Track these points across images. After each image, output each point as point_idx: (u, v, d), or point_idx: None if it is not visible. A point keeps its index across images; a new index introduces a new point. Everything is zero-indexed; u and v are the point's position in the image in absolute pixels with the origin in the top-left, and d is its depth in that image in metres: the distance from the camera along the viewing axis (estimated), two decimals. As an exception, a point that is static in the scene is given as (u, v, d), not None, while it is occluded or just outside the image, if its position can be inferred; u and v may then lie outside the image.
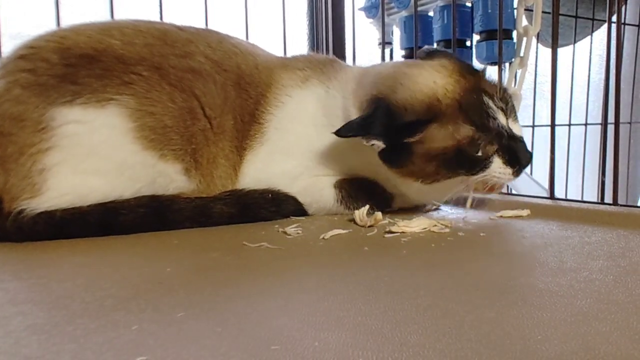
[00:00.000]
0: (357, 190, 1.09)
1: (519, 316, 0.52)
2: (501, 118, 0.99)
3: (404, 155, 1.00)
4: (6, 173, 0.91)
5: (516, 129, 1.02)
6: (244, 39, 1.44)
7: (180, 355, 0.44)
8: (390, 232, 0.92)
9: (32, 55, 0.95)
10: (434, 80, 1.00)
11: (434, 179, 1.00)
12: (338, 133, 0.99)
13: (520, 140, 1.01)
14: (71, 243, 0.89)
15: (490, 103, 0.99)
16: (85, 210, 0.92)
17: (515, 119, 1.05)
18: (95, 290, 0.63)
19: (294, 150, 1.09)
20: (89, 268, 0.75)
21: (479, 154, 0.98)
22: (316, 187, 1.09)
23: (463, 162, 0.98)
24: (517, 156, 1.00)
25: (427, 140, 0.98)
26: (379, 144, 0.99)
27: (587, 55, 2.22)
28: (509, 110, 1.03)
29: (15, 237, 0.90)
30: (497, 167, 0.99)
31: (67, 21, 1.30)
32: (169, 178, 0.99)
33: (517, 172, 1.01)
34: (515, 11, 1.40)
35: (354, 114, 1.03)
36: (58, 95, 0.91)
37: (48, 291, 0.64)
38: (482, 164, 0.98)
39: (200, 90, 1.02)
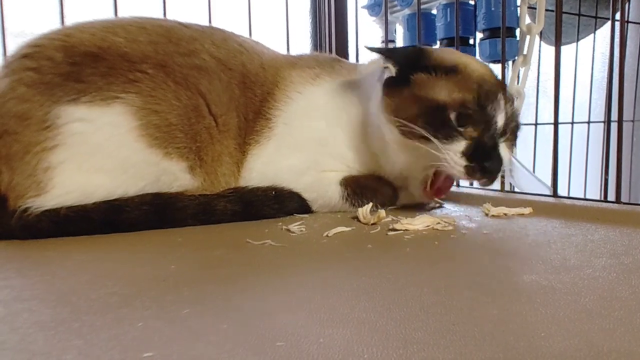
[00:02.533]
0: (362, 187, 1.09)
1: (522, 313, 0.52)
2: (500, 119, 1.00)
3: (400, 87, 1.02)
4: (11, 171, 0.91)
5: (503, 151, 1.01)
6: (247, 37, 1.44)
7: (186, 352, 0.44)
8: (394, 229, 0.92)
9: (36, 54, 0.95)
10: (470, 60, 1.06)
11: (409, 128, 0.98)
12: (369, 47, 1.07)
13: (499, 154, 0.98)
14: (75, 240, 0.90)
15: (502, 102, 1.00)
16: (89, 207, 0.93)
17: (510, 145, 1.05)
18: (100, 287, 0.63)
19: (302, 144, 1.10)
20: (94, 265, 0.76)
21: (459, 126, 0.97)
22: (322, 184, 1.09)
23: (440, 121, 0.97)
24: (482, 158, 0.96)
25: (426, 85, 1.00)
26: (392, 69, 1.03)
27: (590, 53, 2.21)
28: (509, 127, 1.03)
29: (20, 235, 0.90)
30: (456, 152, 0.97)
31: (71, 19, 1.30)
32: (173, 176, 0.99)
33: (469, 170, 0.97)
34: (518, 9, 1.40)
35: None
36: (63, 94, 0.92)
37: (53, 288, 0.64)
38: (452, 134, 0.97)
39: (206, 88, 1.02)
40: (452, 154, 0.97)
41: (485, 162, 0.97)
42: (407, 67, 1.02)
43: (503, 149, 1.02)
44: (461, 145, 0.97)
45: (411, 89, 1.01)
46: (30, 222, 0.90)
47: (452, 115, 0.97)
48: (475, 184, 1.14)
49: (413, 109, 0.99)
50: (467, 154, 0.97)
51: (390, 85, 1.04)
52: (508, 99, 1.03)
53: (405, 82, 1.02)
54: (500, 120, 1.00)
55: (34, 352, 0.45)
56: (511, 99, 1.05)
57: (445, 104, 0.98)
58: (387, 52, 1.05)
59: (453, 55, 1.06)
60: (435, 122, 0.97)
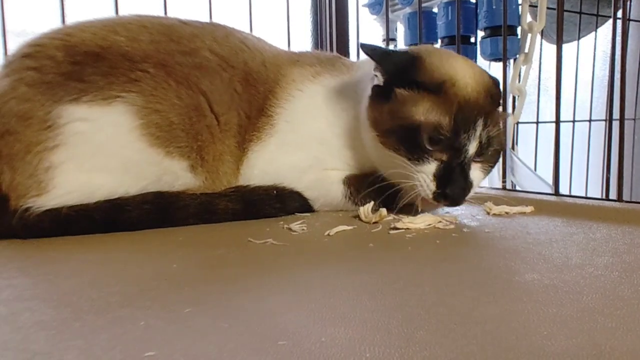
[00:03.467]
0: (365, 186, 1.09)
1: (524, 312, 0.52)
2: (472, 147, 0.96)
3: (382, 99, 1.00)
4: (12, 171, 0.91)
5: (475, 174, 0.99)
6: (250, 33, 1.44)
7: (188, 351, 0.44)
8: (395, 228, 0.92)
9: (37, 54, 0.95)
10: (463, 73, 1.00)
11: (383, 140, 0.99)
12: (363, 45, 1.02)
13: (465, 180, 0.96)
14: (77, 240, 0.90)
15: (479, 129, 0.96)
16: (90, 207, 0.92)
17: (486, 169, 1.02)
18: (101, 286, 0.63)
19: (304, 143, 1.09)
20: (95, 265, 0.76)
21: (430, 147, 0.95)
22: (325, 182, 1.09)
23: (412, 140, 0.96)
24: (448, 184, 0.95)
25: (407, 101, 0.98)
26: (380, 78, 1.01)
27: (592, 52, 2.21)
28: (485, 151, 0.99)
29: (21, 235, 0.90)
30: (428, 174, 0.96)
31: (72, 18, 1.30)
32: (174, 175, 0.99)
33: (436, 196, 0.96)
34: (519, 7, 1.40)
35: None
36: (64, 93, 0.91)
37: (55, 288, 0.64)
38: (422, 155, 0.95)
39: (207, 87, 1.02)
40: (425, 176, 0.96)
41: (447, 189, 0.95)
42: (396, 77, 0.99)
43: (475, 170, 0.99)
44: (432, 167, 0.96)
45: (392, 103, 0.99)
46: (31, 221, 0.90)
47: (424, 137, 0.95)
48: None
49: (390, 123, 0.98)
50: (438, 177, 0.95)
51: (376, 95, 1.02)
52: (490, 122, 0.98)
53: (389, 94, 1.00)
54: (472, 148, 0.96)
55: (35, 351, 0.45)
56: (495, 122, 1.00)
57: (419, 124, 0.96)
58: (379, 58, 1.01)
59: (446, 69, 1.00)
60: (407, 140, 0.96)
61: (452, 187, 0.95)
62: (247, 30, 1.59)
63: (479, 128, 0.96)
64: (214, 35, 1.09)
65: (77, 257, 0.79)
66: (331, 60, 1.19)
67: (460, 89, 0.98)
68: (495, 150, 1.02)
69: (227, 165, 1.05)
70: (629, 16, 2.09)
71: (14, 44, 1.03)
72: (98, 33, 0.99)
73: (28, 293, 0.63)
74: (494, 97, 1.03)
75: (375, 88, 1.03)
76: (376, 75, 1.02)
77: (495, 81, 1.06)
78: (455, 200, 0.97)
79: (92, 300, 0.58)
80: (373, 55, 1.01)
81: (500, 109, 1.08)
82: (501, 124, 1.04)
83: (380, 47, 1.01)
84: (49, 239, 0.90)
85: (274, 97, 1.10)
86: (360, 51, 1.77)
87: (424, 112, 0.96)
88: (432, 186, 0.96)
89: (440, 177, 0.95)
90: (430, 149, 0.96)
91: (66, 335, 0.48)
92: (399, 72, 0.99)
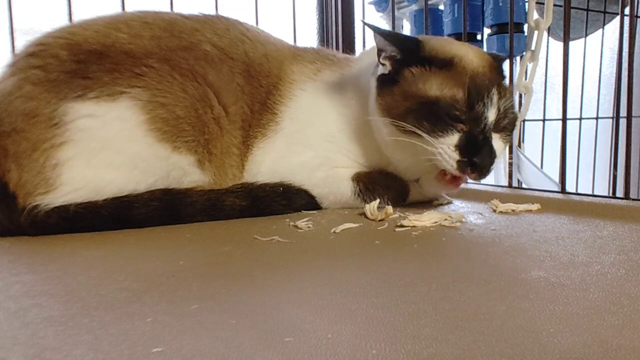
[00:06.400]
0: (374, 183, 1.09)
1: (530, 309, 0.52)
2: (491, 114, 0.98)
3: (391, 84, 1.01)
4: (20, 169, 0.91)
5: (497, 144, 1.00)
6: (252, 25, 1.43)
7: (195, 347, 0.45)
8: (401, 226, 0.92)
9: (41, 52, 0.96)
10: (466, 51, 1.03)
11: (400, 124, 0.99)
12: (369, 24, 1.04)
13: (490, 148, 0.97)
14: (85, 237, 0.90)
15: (495, 97, 0.98)
16: (98, 204, 0.93)
17: (506, 138, 1.04)
18: (109, 283, 0.63)
19: (312, 142, 1.10)
20: (103, 261, 0.76)
21: (450, 120, 0.96)
22: (334, 179, 1.10)
23: (431, 115, 0.96)
24: (474, 152, 0.95)
25: (417, 79, 0.99)
26: (387, 66, 1.02)
27: (599, 49, 2.21)
28: (504, 120, 1.01)
29: (29, 232, 0.91)
30: (449, 145, 0.96)
31: (80, 16, 1.30)
32: (182, 171, 0.99)
33: (461, 165, 0.96)
34: (526, 4, 1.40)
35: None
36: (69, 91, 0.92)
37: (63, 284, 0.65)
38: (444, 128, 0.96)
39: (214, 78, 1.03)
40: (446, 147, 0.96)
41: (474, 157, 0.96)
42: (407, 56, 1.01)
43: (497, 140, 1.01)
44: (454, 138, 0.97)
45: (401, 86, 1.00)
46: (39, 219, 0.91)
47: (443, 110, 0.96)
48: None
49: (403, 105, 0.99)
50: (460, 147, 0.96)
51: (383, 84, 1.03)
52: (503, 93, 1.01)
53: (396, 80, 1.01)
54: (491, 115, 0.98)
55: (44, 347, 0.46)
56: (507, 93, 1.02)
57: (436, 98, 0.97)
58: (392, 38, 1.02)
59: (449, 47, 1.04)
60: (427, 116, 0.97)
61: (480, 155, 0.96)
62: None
63: (495, 97, 0.98)
64: (215, 28, 1.09)
65: (85, 254, 0.79)
66: (331, 56, 1.20)
67: (468, 63, 1.01)
68: (512, 119, 1.04)
69: (233, 158, 1.06)
70: (637, 13, 2.08)
71: (22, 42, 1.04)
72: (101, 31, 0.99)
73: (37, 289, 0.63)
74: (498, 70, 1.06)
75: (381, 77, 1.04)
76: (383, 64, 1.03)
77: (495, 57, 1.09)
78: (483, 169, 0.97)
79: (100, 296, 0.59)
80: (382, 32, 1.02)
81: (507, 81, 1.10)
82: (509, 95, 1.05)
83: (381, 29, 1.03)
84: (57, 236, 0.90)
85: (277, 93, 1.10)
86: (363, 45, 1.78)
87: (438, 87, 0.98)
88: (455, 155, 0.96)
89: (464, 146, 0.96)
90: (451, 121, 0.97)
91: (75, 331, 0.49)
92: (409, 51, 1.01)
